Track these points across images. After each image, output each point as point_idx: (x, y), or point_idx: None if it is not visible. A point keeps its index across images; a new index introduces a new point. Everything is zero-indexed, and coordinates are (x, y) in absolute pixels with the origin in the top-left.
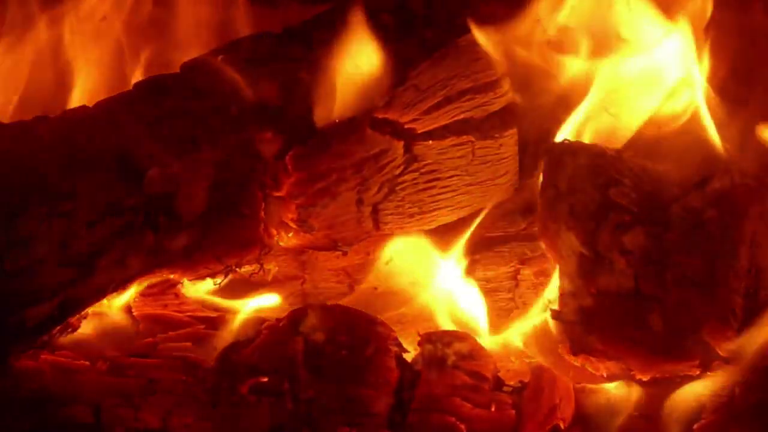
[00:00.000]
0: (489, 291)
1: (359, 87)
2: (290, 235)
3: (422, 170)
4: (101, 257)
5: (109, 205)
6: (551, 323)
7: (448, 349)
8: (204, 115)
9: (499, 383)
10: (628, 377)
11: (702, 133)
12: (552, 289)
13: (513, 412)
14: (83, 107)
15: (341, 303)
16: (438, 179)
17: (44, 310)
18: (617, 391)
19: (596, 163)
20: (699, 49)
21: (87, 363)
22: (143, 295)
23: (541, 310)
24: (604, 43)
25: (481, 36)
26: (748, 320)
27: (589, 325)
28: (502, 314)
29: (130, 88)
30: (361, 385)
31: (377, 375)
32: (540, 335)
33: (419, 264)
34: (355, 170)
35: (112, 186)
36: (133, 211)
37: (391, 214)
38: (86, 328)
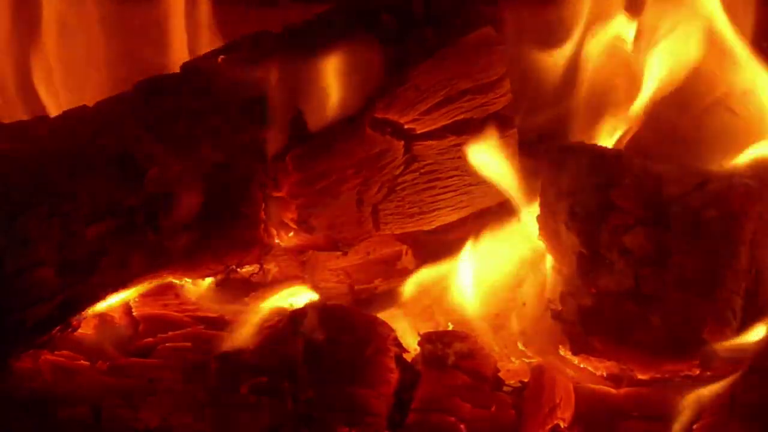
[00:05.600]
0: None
1: (359, 87)
2: (290, 235)
3: (422, 170)
4: (101, 257)
5: (109, 205)
6: (551, 323)
7: (448, 349)
8: (204, 115)
9: (499, 383)
10: (628, 377)
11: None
12: (552, 289)
13: (513, 412)
14: (83, 107)
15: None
16: (438, 179)
17: (44, 310)
18: (617, 391)
19: (596, 163)
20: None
21: (87, 363)
22: (143, 295)
23: (542, 310)
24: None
25: (482, 36)
26: (748, 320)
27: (589, 325)
28: (502, 314)
29: (130, 88)
30: (361, 385)
31: (377, 375)
32: (540, 335)
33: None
34: (355, 170)
35: (112, 186)
36: (133, 211)
37: (391, 214)
38: (86, 328)
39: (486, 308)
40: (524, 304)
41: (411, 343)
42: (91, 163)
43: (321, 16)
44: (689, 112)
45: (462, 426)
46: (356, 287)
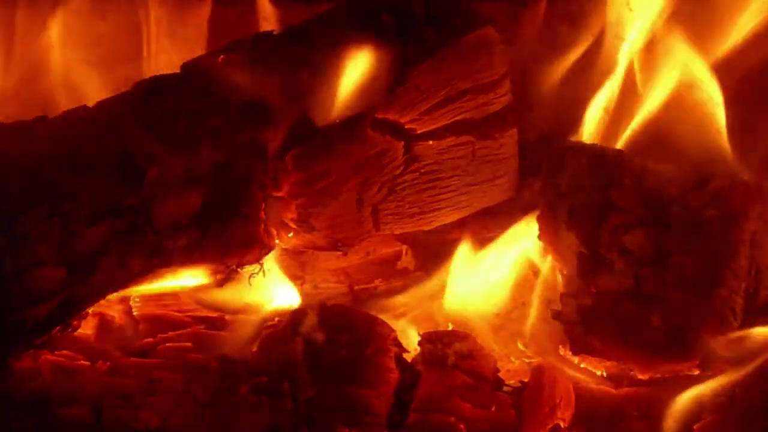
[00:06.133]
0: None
1: (359, 87)
2: (290, 235)
3: (422, 170)
4: (101, 257)
5: (109, 205)
6: (551, 323)
7: (448, 349)
8: (204, 115)
9: (499, 383)
10: (628, 377)
11: (702, 134)
12: (552, 289)
13: (513, 412)
14: (83, 107)
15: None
16: (438, 179)
17: (44, 310)
18: (617, 391)
19: (596, 163)
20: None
21: (87, 363)
22: (143, 295)
23: (542, 310)
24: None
25: (482, 36)
26: (748, 320)
27: (589, 325)
28: (502, 314)
29: (130, 88)
30: (361, 385)
31: (377, 375)
32: (540, 335)
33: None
34: (355, 170)
35: (112, 186)
36: (133, 211)
37: (391, 214)
38: (86, 328)
39: (486, 308)
40: (524, 304)
41: (411, 343)
42: (91, 163)
43: (321, 16)
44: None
45: (462, 426)
46: (356, 287)
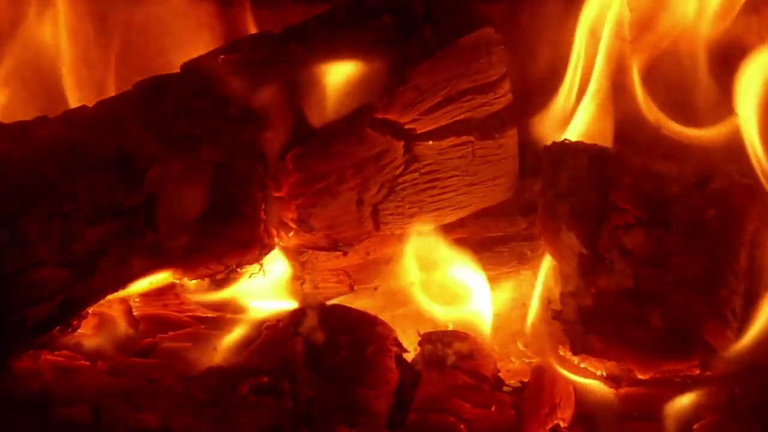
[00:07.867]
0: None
1: (359, 87)
2: (290, 235)
3: (422, 170)
4: (101, 257)
5: (109, 205)
6: (551, 323)
7: (448, 349)
8: (204, 115)
9: (499, 383)
10: (628, 377)
11: (702, 133)
12: (552, 289)
13: (513, 412)
14: (83, 107)
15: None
16: (438, 179)
17: (44, 310)
18: (617, 391)
19: (596, 163)
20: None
21: (87, 363)
22: (143, 295)
23: (542, 310)
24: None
25: (482, 36)
26: (747, 320)
27: (589, 325)
28: (502, 314)
29: (130, 88)
30: (361, 385)
31: (377, 375)
32: (540, 335)
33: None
34: (355, 170)
35: (112, 186)
36: (133, 211)
37: (391, 214)
38: (86, 328)
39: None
40: (524, 304)
41: (411, 343)
42: (91, 163)
43: (321, 16)
44: None
45: (462, 426)
46: (356, 287)
